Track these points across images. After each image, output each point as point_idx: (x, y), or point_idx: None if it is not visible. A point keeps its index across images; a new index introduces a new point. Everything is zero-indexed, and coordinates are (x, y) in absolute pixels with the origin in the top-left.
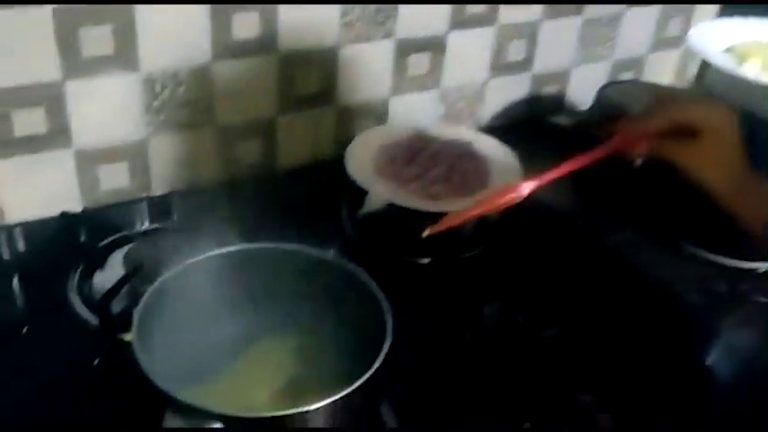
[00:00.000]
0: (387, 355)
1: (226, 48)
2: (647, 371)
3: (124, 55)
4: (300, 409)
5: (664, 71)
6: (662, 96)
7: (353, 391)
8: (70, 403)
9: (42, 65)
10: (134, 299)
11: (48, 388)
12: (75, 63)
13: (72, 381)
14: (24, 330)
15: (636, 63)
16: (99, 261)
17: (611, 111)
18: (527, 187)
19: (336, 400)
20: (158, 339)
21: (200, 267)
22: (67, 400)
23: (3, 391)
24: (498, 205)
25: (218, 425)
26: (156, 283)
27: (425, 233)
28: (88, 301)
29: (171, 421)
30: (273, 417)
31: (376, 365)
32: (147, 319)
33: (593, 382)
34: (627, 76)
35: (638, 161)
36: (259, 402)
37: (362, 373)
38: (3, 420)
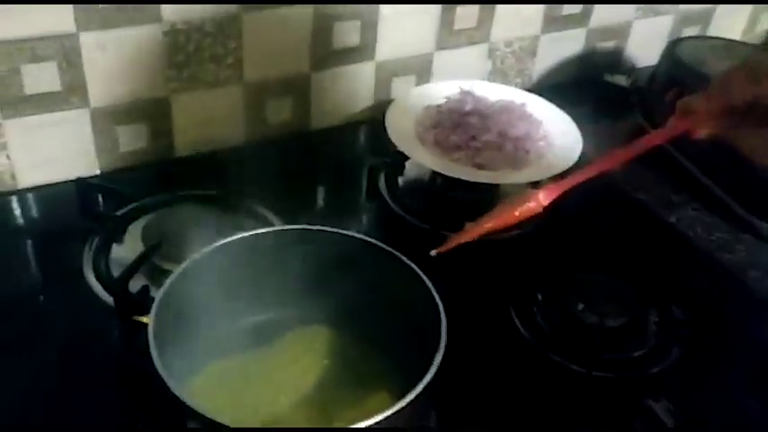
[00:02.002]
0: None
1: None
2: (721, 367)
3: (144, 2)
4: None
5: (732, 27)
6: (751, 63)
7: (402, 408)
8: (78, 385)
9: (54, 14)
10: (152, 277)
11: (56, 366)
12: (89, 12)
13: (81, 361)
14: (40, 300)
15: (703, 17)
16: (117, 233)
17: (680, 70)
18: (547, 197)
19: (385, 418)
20: (177, 330)
21: (225, 251)
22: (76, 381)
23: (9, 365)
24: (513, 218)
25: None
26: (177, 272)
27: (433, 253)
28: (103, 277)
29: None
30: None
31: (429, 376)
32: (167, 309)
33: (665, 383)
34: (691, 31)
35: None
36: (282, 408)
37: (406, 375)
38: (7, 396)
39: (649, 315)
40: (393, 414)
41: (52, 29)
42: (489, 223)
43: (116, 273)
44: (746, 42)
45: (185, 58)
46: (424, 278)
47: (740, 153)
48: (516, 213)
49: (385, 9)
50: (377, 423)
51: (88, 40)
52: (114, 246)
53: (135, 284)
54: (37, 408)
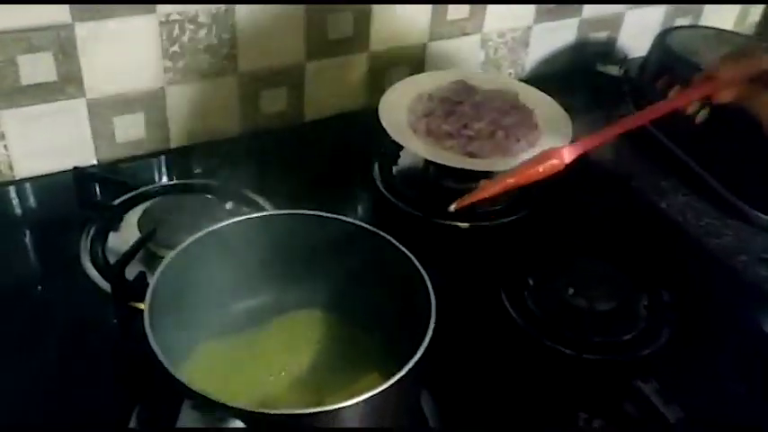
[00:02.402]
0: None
1: None
2: (709, 350)
3: (138, 3)
4: (329, 408)
5: (724, 17)
6: (748, 46)
7: (391, 386)
8: (76, 371)
9: (49, 5)
10: (148, 264)
11: (54, 352)
12: (84, 2)
13: (79, 347)
14: (38, 288)
15: (694, 8)
16: (113, 221)
17: (670, 59)
18: (571, 154)
19: (372, 396)
20: (172, 315)
21: (218, 237)
22: (74, 367)
23: (8, 353)
24: (536, 174)
25: (237, 423)
26: (170, 258)
27: (452, 207)
28: (101, 264)
29: (186, 415)
30: (298, 414)
31: (417, 356)
32: (161, 293)
33: (655, 365)
34: (683, 22)
35: (702, 116)
36: (276, 389)
37: (397, 357)
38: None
39: (639, 299)
40: (381, 393)
41: (48, 19)
42: (511, 179)
43: (113, 260)
44: (737, 32)
45: (180, 49)
46: (416, 263)
47: (757, 120)
48: (540, 170)
49: None
50: (364, 401)
51: (84, 30)
52: (111, 234)
53: (132, 271)
54: (36, 394)
